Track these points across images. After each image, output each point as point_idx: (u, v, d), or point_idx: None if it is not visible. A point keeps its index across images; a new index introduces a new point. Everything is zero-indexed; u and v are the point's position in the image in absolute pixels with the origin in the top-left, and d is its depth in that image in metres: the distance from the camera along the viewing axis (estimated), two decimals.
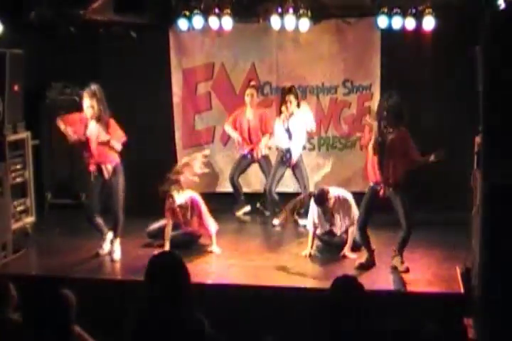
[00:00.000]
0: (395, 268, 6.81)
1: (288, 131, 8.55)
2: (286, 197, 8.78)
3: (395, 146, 6.64)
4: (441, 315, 5.67)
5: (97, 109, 7.16)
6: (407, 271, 6.76)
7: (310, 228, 7.54)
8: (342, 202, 7.38)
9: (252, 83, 9.24)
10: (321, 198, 7.28)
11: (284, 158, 8.63)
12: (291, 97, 8.50)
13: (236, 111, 9.20)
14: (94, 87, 7.18)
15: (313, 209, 7.46)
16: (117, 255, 7.36)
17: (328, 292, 3.61)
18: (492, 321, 4.91)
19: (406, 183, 6.75)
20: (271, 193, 8.71)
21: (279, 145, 8.73)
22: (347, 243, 7.36)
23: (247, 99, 8.99)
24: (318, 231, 7.52)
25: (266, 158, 9.03)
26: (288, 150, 8.60)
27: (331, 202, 7.31)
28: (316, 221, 7.44)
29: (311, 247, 7.45)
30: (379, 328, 3.57)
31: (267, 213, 9.09)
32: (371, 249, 6.96)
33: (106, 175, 7.26)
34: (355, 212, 7.31)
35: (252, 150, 9.05)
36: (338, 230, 7.47)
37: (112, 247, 7.39)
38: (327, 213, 7.39)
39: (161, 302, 3.47)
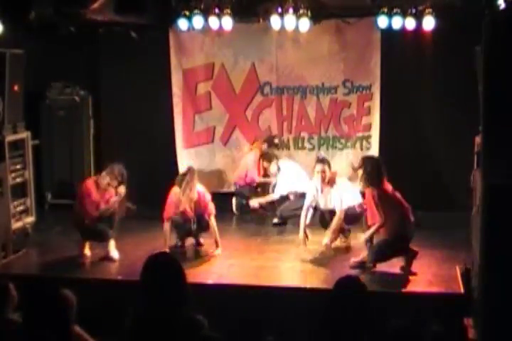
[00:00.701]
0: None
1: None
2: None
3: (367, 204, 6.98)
4: (441, 315, 5.67)
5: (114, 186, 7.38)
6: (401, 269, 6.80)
7: (307, 203, 7.60)
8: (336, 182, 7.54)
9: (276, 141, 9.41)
10: (325, 159, 7.55)
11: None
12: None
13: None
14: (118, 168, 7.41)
15: (315, 183, 7.56)
16: (115, 254, 7.38)
17: (332, 292, 3.61)
18: (492, 321, 4.91)
19: (390, 236, 6.74)
20: None
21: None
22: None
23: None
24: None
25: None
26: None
27: (330, 173, 7.49)
28: (315, 193, 7.54)
29: (306, 237, 7.50)
30: (379, 328, 3.57)
31: (267, 213, 9.10)
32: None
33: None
34: (347, 199, 7.44)
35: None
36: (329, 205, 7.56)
37: (107, 248, 7.42)
38: (325, 183, 7.48)
39: (158, 303, 3.47)
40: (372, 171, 6.86)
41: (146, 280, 3.55)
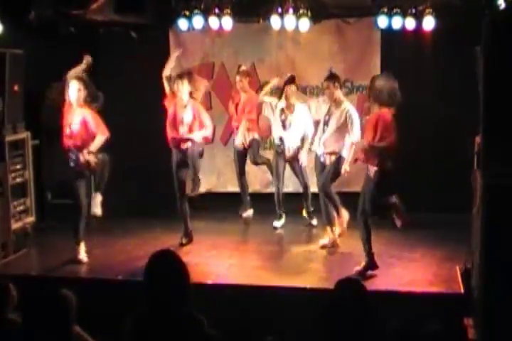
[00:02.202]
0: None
1: (283, 122, 8.42)
2: (286, 197, 8.79)
3: (368, 126, 6.70)
4: (441, 315, 5.67)
5: (84, 94, 7.23)
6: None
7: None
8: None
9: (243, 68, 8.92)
10: (334, 74, 7.54)
11: (278, 149, 8.52)
12: (293, 87, 8.33)
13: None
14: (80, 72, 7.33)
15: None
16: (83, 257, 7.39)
17: (332, 293, 3.61)
18: (492, 321, 4.92)
19: (385, 169, 6.60)
20: (278, 193, 8.60)
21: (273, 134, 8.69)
22: None
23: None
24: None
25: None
26: (281, 140, 8.47)
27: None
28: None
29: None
30: (379, 328, 3.57)
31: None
32: (371, 251, 6.85)
33: (82, 159, 7.27)
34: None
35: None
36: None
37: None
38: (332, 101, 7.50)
39: (161, 302, 3.48)
40: (390, 89, 6.63)
41: (150, 277, 3.55)
